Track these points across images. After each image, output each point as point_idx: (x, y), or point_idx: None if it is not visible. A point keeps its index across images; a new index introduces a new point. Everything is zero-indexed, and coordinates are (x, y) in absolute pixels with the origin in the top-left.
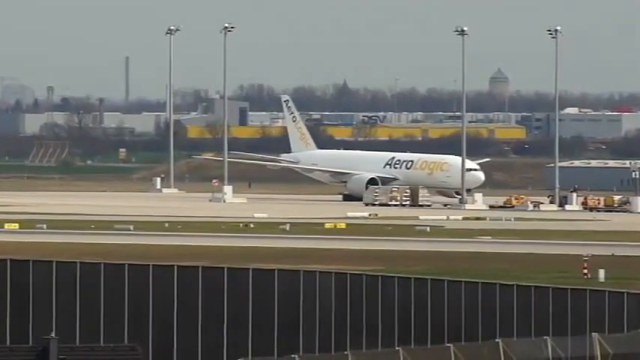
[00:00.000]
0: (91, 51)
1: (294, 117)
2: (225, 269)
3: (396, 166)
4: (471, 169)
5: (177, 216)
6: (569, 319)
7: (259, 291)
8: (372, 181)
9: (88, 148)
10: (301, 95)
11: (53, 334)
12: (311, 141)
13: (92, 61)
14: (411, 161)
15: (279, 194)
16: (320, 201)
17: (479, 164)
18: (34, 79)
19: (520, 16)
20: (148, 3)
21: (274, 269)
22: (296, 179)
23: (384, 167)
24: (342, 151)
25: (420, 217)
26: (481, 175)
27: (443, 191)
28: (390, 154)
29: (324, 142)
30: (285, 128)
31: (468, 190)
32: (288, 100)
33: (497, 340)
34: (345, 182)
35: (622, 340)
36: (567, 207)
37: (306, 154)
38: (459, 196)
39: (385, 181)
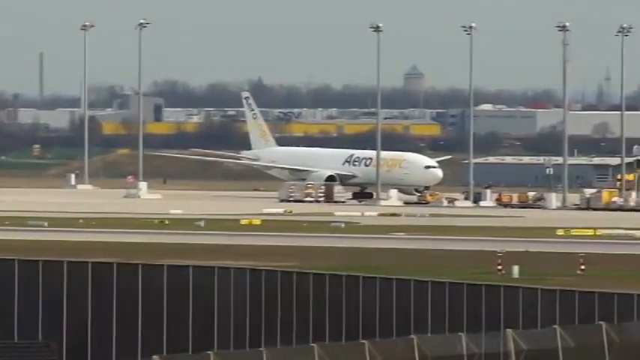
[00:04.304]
0: (5, 46)
1: (254, 114)
2: (140, 265)
3: (355, 163)
4: (430, 167)
5: (92, 212)
6: (484, 315)
7: (174, 287)
8: (331, 178)
9: (2, 144)
10: (216, 91)
11: None
12: (271, 138)
13: (6, 56)
14: (370, 158)
15: (196, 190)
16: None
17: (438, 162)
18: None
19: (435, 12)
20: None
21: (189, 265)
22: (256, 176)
23: (343, 164)
24: (301, 149)
25: (336, 214)
26: (439, 173)
27: (402, 189)
28: (349, 152)
29: (239, 138)
30: (200, 124)
31: (427, 188)
32: (248, 97)
33: (411, 336)
34: (304, 179)
35: (536, 336)
36: (482, 203)
37: (266, 151)
38: (419, 194)
39: (344, 178)
